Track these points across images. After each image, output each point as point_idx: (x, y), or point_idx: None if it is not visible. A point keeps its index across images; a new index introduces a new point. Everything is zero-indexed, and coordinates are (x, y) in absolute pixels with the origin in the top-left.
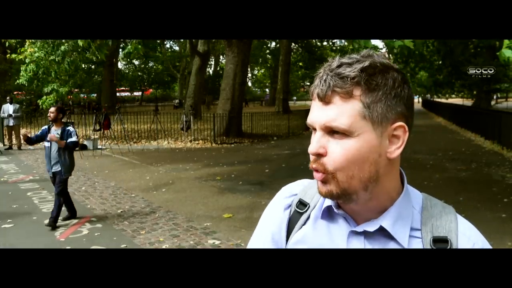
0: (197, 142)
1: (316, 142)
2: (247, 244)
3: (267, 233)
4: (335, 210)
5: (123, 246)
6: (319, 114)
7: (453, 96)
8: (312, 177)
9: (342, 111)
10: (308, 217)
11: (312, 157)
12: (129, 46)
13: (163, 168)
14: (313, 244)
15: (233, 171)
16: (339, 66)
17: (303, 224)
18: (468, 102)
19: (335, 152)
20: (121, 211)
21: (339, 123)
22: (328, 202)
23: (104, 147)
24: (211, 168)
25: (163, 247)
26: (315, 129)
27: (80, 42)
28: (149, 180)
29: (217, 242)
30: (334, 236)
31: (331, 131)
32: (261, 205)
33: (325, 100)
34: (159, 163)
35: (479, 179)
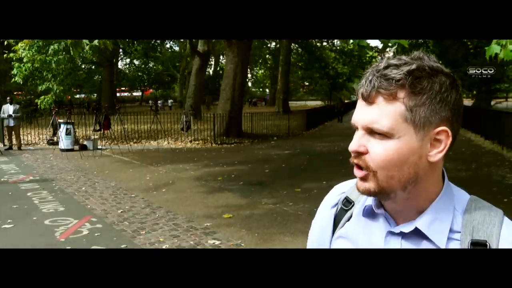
0: (197, 142)
1: (357, 140)
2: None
3: (313, 230)
4: (375, 209)
5: (123, 246)
6: (362, 114)
7: None
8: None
9: (385, 112)
10: (352, 214)
11: (352, 154)
12: (96, 41)
13: (163, 168)
14: (353, 240)
15: (233, 171)
16: (386, 68)
17: (347, 221)
18: (468, 102)
19: (376, 152)
20: (121, 211)
21: (380, 125)
22: (370, 201)
23: (104, 147)
24: (211, 168)
25: (163, 247)
26: (357, 128)
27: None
28: (149, 180)
29: (217, 242)
30: (373, 234)
31: (372, 131)
32: (261, 205)
33: (368, 100)
34: (159, 163)
35: (479, 179)
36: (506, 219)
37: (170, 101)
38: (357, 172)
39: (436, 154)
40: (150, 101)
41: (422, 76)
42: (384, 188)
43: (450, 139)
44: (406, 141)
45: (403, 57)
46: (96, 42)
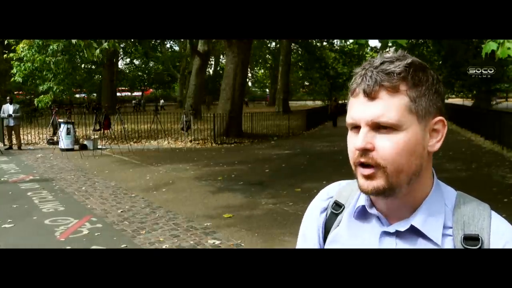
0: (197, 142)
1: (363, 137)
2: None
3: (305, 237)
4: (369, 209)
5: (123, 246)
6: (365, 111)
7: (453, 96)
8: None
9: (390, 105)
10: (343, 218)
11: (357, 153)
12: (105, 44)
13: (163, 168)
14: (345, 243)
15: (233, 171)
16: (382, 63)
17: (338, 225)
18: (468, 102)
19: (384, 147)
20: (121, 211)
21: (387, 118)
22: (362, 202)
23: (104, 147)
24: (211, 168)
25: (163, 247)
26: (357, 127)
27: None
28: (149, 180)
29: (217, 242)
30: (367, 236)
31: (378, 127)
32: (261, 205)
33: (371, 95)
34: (159, 163)
35: (479, 179)
36: (493, 212)
37: (161, 101)
38: (364, 170)
39: (435, 143)
40: (133, 101)
41: (418, 69)
42: (393, 184)
43: (446, 128)
44: (412, 132)
45: (392, 54)
46: (105, 45)
